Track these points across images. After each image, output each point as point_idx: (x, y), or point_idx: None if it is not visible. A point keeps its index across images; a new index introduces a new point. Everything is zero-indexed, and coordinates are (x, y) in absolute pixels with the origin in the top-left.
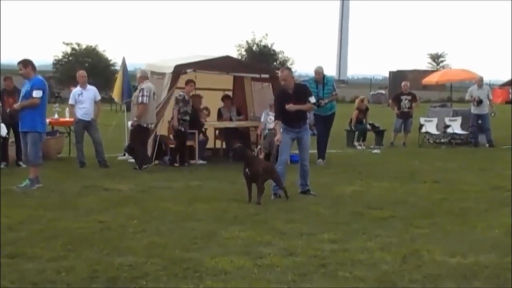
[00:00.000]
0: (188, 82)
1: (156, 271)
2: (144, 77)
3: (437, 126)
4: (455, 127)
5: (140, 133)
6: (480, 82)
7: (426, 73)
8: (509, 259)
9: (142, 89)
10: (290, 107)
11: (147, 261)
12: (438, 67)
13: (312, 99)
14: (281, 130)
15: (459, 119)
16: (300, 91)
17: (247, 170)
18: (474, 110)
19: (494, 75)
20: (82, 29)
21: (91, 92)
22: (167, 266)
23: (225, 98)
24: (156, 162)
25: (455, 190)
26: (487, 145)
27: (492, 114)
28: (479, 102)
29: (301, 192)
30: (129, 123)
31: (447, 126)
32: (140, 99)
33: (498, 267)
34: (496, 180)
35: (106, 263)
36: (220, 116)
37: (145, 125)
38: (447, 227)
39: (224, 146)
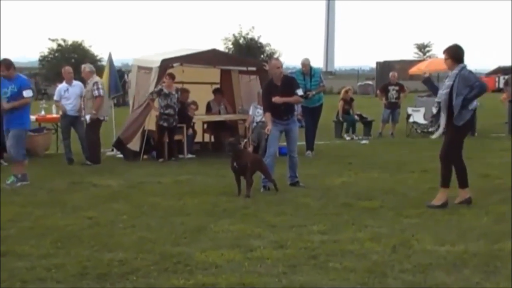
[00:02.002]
0: (166, 75)
1: (147, 266)
2: (92, 71)
3: (424, 115)
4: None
5: (95, 126)
6: None
7: (413, 63)
8: (497, 247)
9: (96, 83)
10: (276, 99)
11: (137, 257)
12: (425, 57)
13: (300, 92)
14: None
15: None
16: (288, 83)
17: (235, 163)
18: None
19: (481, 64)
20: (68, 25)
21: (77, 88)
22: (157, 261)
23: (216, 91)
24: (145, 157)
25: None
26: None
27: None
28: None
29: (291, 184)
30: (87, 117)
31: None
32: (96, 92)
33: (487, 254)
34: (485, 168)
35: (96, 260)
36: (208, 110)
37: (101, 118)
38: (436, 216)
39: (212, 140)
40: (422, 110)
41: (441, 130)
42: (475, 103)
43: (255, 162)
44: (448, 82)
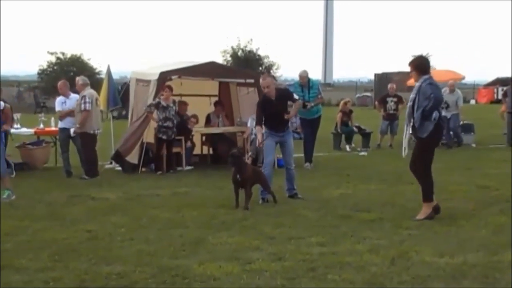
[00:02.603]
0: (164, 87)
1: (145, 279)
2: (85, 84)
3: None
4: None
5: (89, 140)
6: (451, 87)
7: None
8: (496, 258)
9: (84, 96)
10: (288, 117)
11: (136, 270)
12: None
13: (296, 96)
14: (264, 134)
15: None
16: (282, 96)
17: (238, 176)
18: (443, 112)
19: (479, 75)
20: (67, 38)
21: (74, 100)
22: (156, 273)
23: (217, 104)
24: (144, 169)
25: (442, 191)
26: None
27: (461, 122)
28: (447, 106)
29: (289, 196)
30: (72, 130)
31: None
32: (83, 106)
33: (486, 266)
34: (483, 179)
35: (94, 273)
36: (208, 122)
37: (91, 132)
38: (435, 228)
39: (211, 152)
40: None
41: (405, 144)
42: (434, 114)
43: (255, 174)
44: (411, 95)
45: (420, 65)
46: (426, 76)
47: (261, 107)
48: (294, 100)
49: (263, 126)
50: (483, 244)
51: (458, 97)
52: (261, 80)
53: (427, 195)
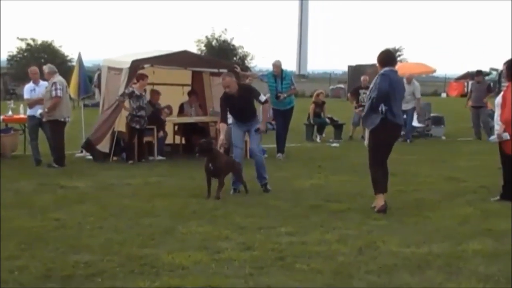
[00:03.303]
0: (140, 77)
1: (113, 268)
2: (52, 71)
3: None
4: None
5: (59, 128)
6: (409, 79)
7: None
8: (461, 248)
9: (55, 83)
10: (261, 127)
11: (104, 259)
12: None
13: (262, 98)
14: (231, 124)
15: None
16: (246, 92)
17: (210, 165)
18: (403, 106)
19: (451, 69)
20: (38, 24)
21: (43, 87)
22: (124, 262)
23: (190, 93)
24: (115, 158)
25: (411, 182)
26: (407, 139)
27: (416, 115)
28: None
29: (261, 185)
30: (38, 111)
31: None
32: (54, 92)
33: (450, 255)
34: (451, 171)
35: (61, 262)
36: (181, 111)
37: (62, 120)
38: (403, 219)
39: (183, 141)
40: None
41: (366, 133)
42: (381, 107)
43: (228, 164)
44: (371, 86)
45: (382, 58)
46: (386, 69)
47: (223, 105)
48: (259, 101)
49: (227, 121)
50: (449, 234)
51: (414, 87)
52: (221, 80)
53: (375, 188)
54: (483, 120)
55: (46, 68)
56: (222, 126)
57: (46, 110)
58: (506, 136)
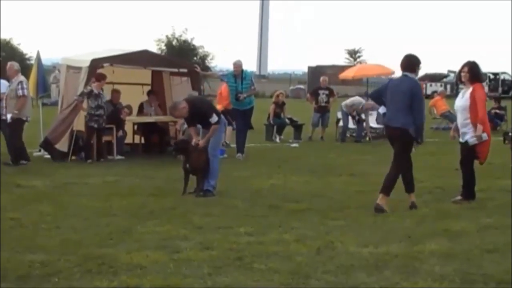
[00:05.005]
0: (99, 76)
1: (69, 268)
2: (19, 70)
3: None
4: (371, 121)
5: (20, 127)
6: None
7: (344, 68)
8: (417, 248)
9: (21, 82)
10: (201, 143)
11: (60, 258)
12: (355, 62)
13: (213, 119)
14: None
15: (374, 113)
16: (198, 110)
17: (187, 164)
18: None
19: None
20: None
21: (4, 86)
22: (81, 262)
23: (150, 93)
24: (73, 158)
25: (370, 183)
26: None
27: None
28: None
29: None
30: (8, 116)
31: (362, 120)
32: (20, 91)
33: (407, 256)
34: None
35: (16, 261)
36: (141, 111)
37: (24, 118)
38: (361, 219)
39: (143, 141)
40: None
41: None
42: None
43: (206, 161)
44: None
45: (401, 63)
46: (401, 74)
47: (187, 123)
48: (209, 122)
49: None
50: (406, 234)
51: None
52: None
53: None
54: None
55: (14, 65)
56: (192, 129)
57: (15, 111)
58: (485, 136)
